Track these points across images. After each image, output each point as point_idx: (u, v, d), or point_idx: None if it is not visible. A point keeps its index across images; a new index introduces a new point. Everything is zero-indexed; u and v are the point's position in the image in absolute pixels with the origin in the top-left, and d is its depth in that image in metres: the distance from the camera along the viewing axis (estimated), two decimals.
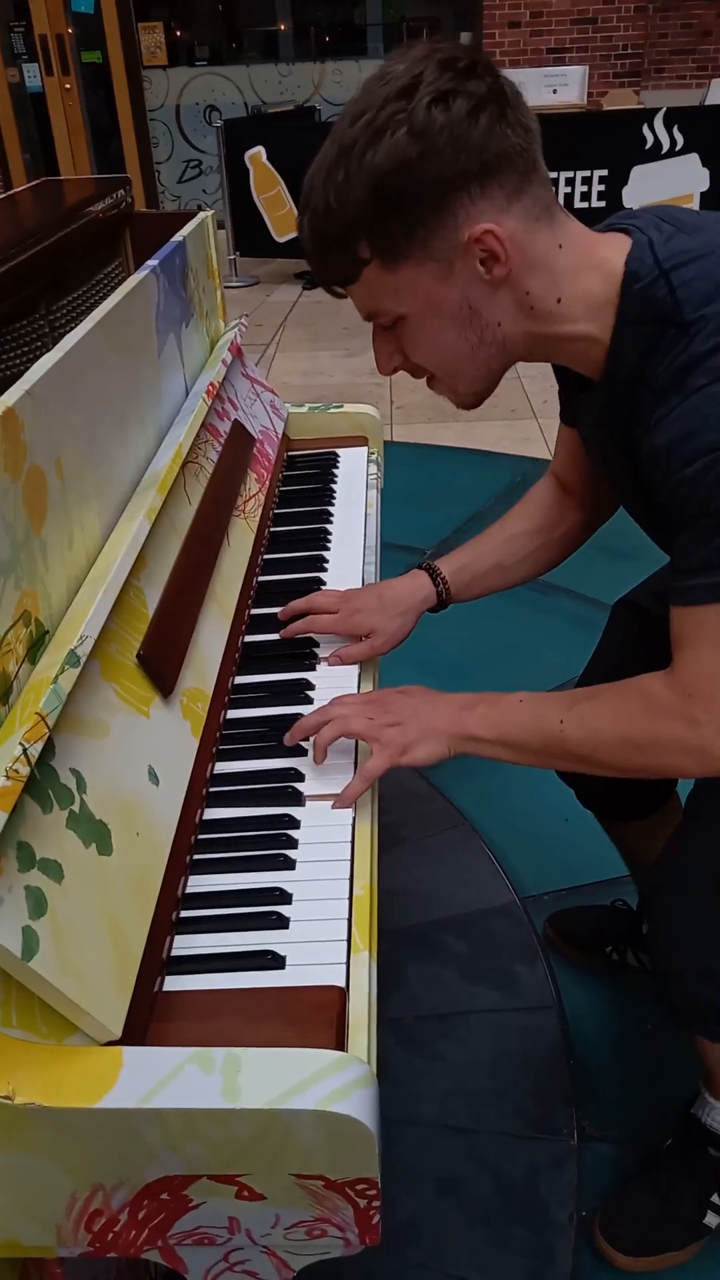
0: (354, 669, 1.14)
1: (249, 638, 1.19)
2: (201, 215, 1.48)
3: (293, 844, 0.91)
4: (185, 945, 0.81)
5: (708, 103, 6.15)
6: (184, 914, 0.84)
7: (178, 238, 1.33)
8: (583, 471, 1.18)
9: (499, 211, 0.82)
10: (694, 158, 5.04)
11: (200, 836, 0.92)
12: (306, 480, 1.55)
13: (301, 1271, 0.76)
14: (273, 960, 0.79)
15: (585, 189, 5.13)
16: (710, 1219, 1.25)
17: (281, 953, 0.79)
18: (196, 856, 0.89)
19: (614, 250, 0.86)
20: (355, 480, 1.55)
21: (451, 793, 1.98)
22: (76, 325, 0.95)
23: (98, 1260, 0.92)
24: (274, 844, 0.91)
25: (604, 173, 5.10)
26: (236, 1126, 0.64)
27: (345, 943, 0.80)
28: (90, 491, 0.92)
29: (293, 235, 5.44)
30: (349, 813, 0.94)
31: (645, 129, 5.00)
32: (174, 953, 0.80)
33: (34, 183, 1.67)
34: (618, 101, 6.36)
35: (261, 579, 1.30)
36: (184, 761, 0.91)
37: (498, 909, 1.74)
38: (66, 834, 0.71)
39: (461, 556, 1.24)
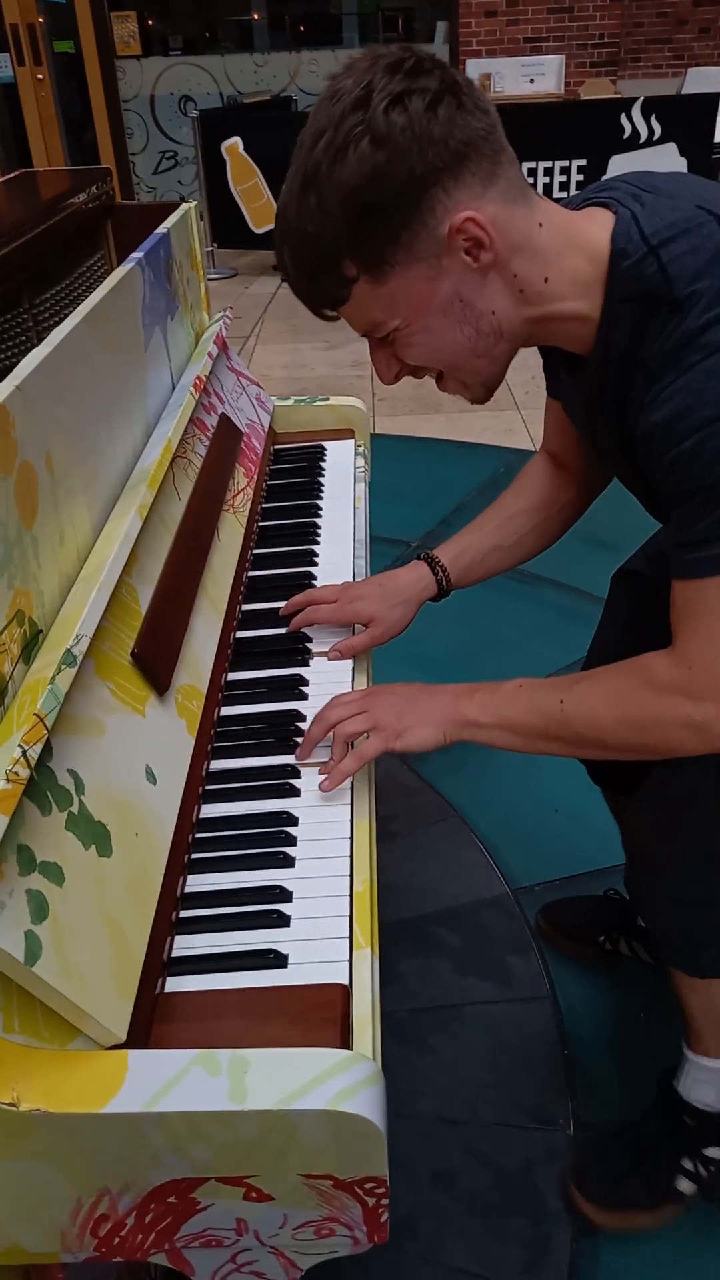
0: (348, 664, 1.14)
1: (241, 633, 1.19)
2: (185, 207, 1.46)
3: (291, 841, 0.90)
4: (186, 945, 0.80)
5: (684, 92, 6.18)
6: (184, 914, 0.83)
7: (162, 229, 1.31)
8: (574, 444, 1.18)
9: (476, 198, 0.81)
10: (671, 147, 5.07)
11: (198, 835, 0.91)
12: (294, 474, 1.54)
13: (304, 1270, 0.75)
14: (275, 959, 0.78)
15: (564, 179, 5.13)
16: (683, 1184, 1.25)
17: (283, 951, 0.79)
18: (195, 856, 0.89)
19: (597, 226, 0.85)
20: (343, 474, 1.54)
21: (441, 785, 1.98)
22: (61, 319, 0.94)
23: (99, 1264, 0.91)
24: (273, 841, 0.90)
25: (582, 162, 5.11)
26: (243, 1128, 0.64)
27: (347, 940, 0.80)
28: (80, 487, 0.91)
29: (270, 227, 5.40)
30: (347, 809, 0.94)
31: (623, 118, 5.01)
32: (174, 953, 0.79)
33: (13, 174, 1.65)
34: (594, 91, 6.36)
35: (252, 574, 1.29)
36: (180, 760, 0.90)
37: (490, 901, 1.74)
38: (66, 836, 0.70)
39: (459, 542, 1.24)
